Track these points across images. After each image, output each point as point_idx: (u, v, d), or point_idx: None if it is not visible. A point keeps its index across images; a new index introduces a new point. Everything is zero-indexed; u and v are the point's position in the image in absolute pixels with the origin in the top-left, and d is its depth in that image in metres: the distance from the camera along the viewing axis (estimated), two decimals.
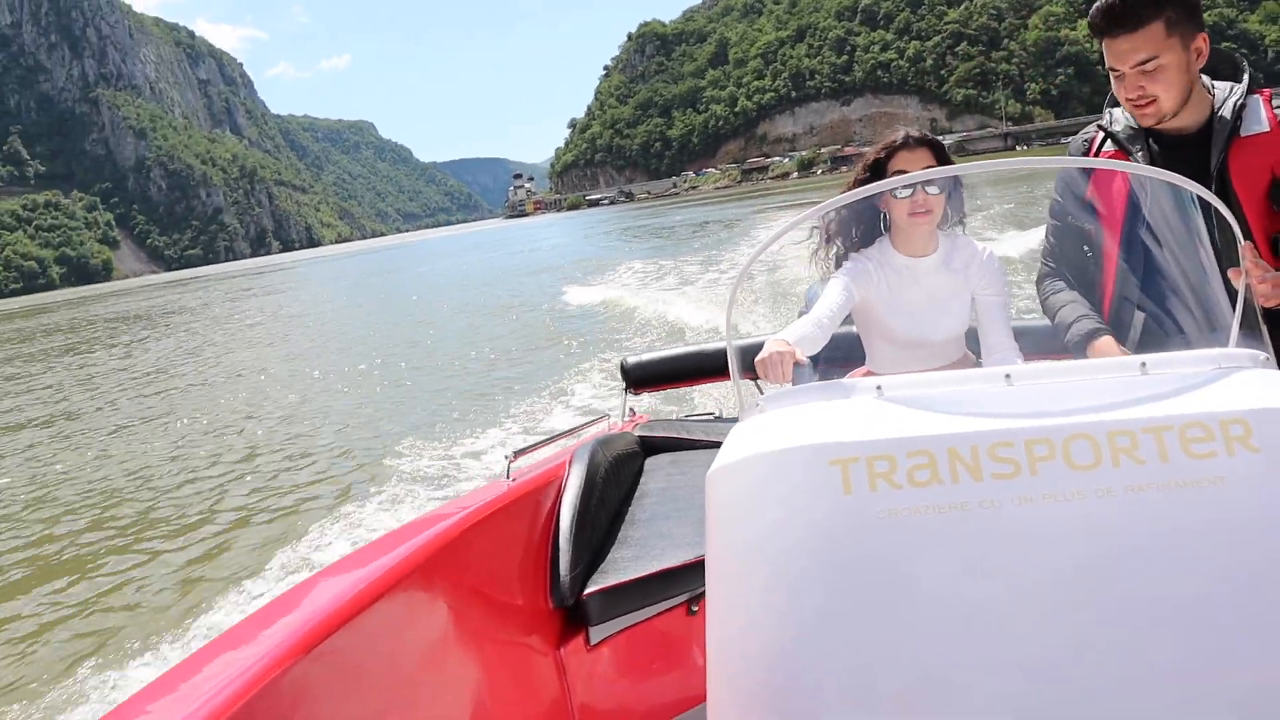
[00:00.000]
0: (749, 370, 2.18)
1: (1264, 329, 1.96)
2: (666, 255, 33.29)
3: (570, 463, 3.17)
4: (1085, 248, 2.62)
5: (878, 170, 2.67)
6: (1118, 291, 2.51)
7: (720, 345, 4.74)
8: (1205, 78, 2.45)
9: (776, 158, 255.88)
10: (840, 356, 2.76)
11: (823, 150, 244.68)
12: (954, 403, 1.69)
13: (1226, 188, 2.36)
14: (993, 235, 18.76)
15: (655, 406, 8.04)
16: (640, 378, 4.79)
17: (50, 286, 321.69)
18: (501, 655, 2.46)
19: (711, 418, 5.01)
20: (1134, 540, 1.52)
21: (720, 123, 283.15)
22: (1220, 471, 1.54)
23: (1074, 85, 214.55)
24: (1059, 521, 1.54)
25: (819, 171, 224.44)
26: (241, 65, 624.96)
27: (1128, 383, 1.69)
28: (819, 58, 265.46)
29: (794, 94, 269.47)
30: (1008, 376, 1.73)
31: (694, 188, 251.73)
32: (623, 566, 2.85)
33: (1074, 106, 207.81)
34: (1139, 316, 2.43)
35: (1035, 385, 1.72)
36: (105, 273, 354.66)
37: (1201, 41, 2.32)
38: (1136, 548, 1.51)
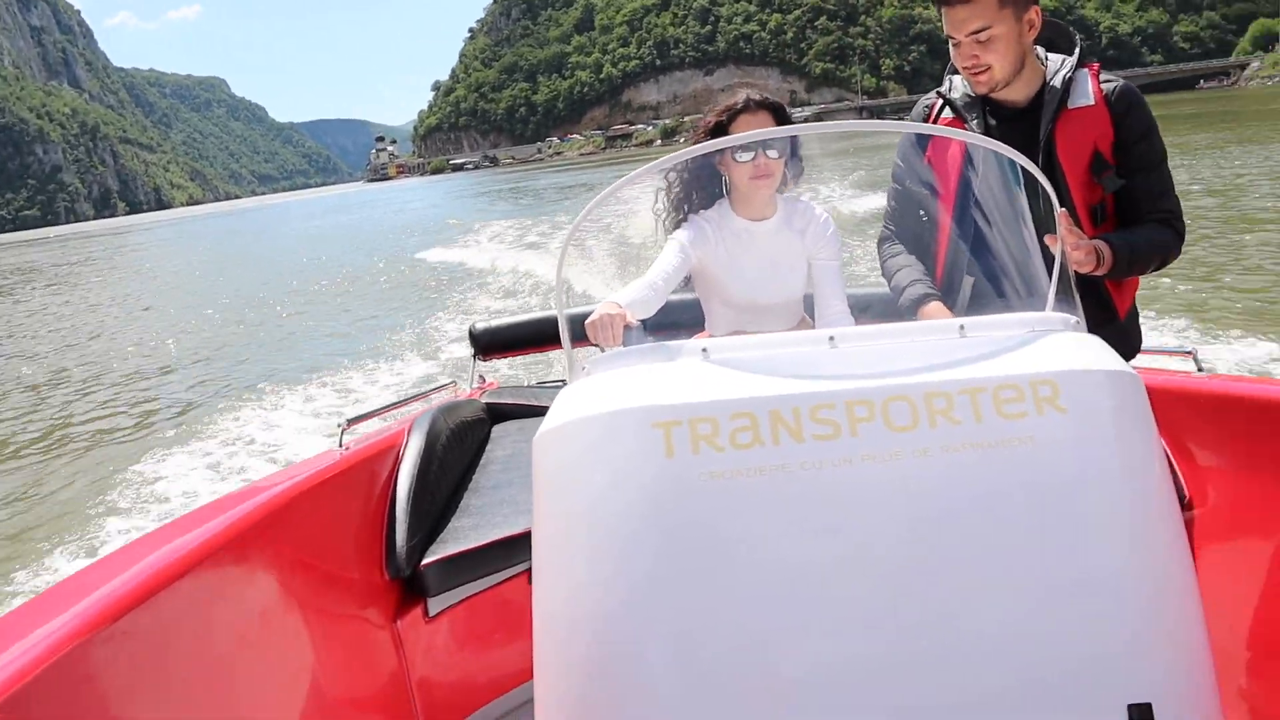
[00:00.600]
0: (584, 339, 2.14)
1: (1076, 294, 2.03)
2: (531, 216, 34.13)
3: (409, 430, 3.10)
4: (922, 212, 2.68)
5: (718, 133, 2.64)
6: (950, 256, 2.56)
7: (585, 309, 4.70)
8: (1040, 50, 2.55)
9: (641, 125, 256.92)
10: (683, 322, 2.78)
11: (686, 119, 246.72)
12: (778, 365, 1.71)
13: (1053, 158, 2.46)
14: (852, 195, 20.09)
15: (515, 376, 8.02)
16: (489, 344, 4.71)
17: None
18: (332, 629, 2.38)
19: (564, 384, 5.86)
20: (949, 500, 1.58)
21: (585, 89, 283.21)
22: (1030, 431, 1.61)
23: (926, 62, 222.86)
24: (878, 482, 1.58)
25: (682, 140, 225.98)
26: (79, 13, 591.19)
27: (946, 345, 1.75)
28: (684, 27, 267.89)
29: (659, 62, 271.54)
30: (831, 339, 1.76)
31: (559, 153, 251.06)
32: (463, 535, 2.82)
33: (926, 82, 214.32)
34: (968, 281, 2.48)
35: (858, 348, 1.75)
36: None
37: (1034, 14, 2.42)
38: (951, 507, 1.57)
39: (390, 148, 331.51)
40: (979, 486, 1.59)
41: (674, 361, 1.79)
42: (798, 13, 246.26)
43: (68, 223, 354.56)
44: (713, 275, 2.72)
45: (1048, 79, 2.53)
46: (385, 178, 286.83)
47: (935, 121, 2.69)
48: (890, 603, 1.54)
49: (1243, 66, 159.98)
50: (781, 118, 2.68)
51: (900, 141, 2.79)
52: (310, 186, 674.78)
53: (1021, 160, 2.06)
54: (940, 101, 2.70)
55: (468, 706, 2.84)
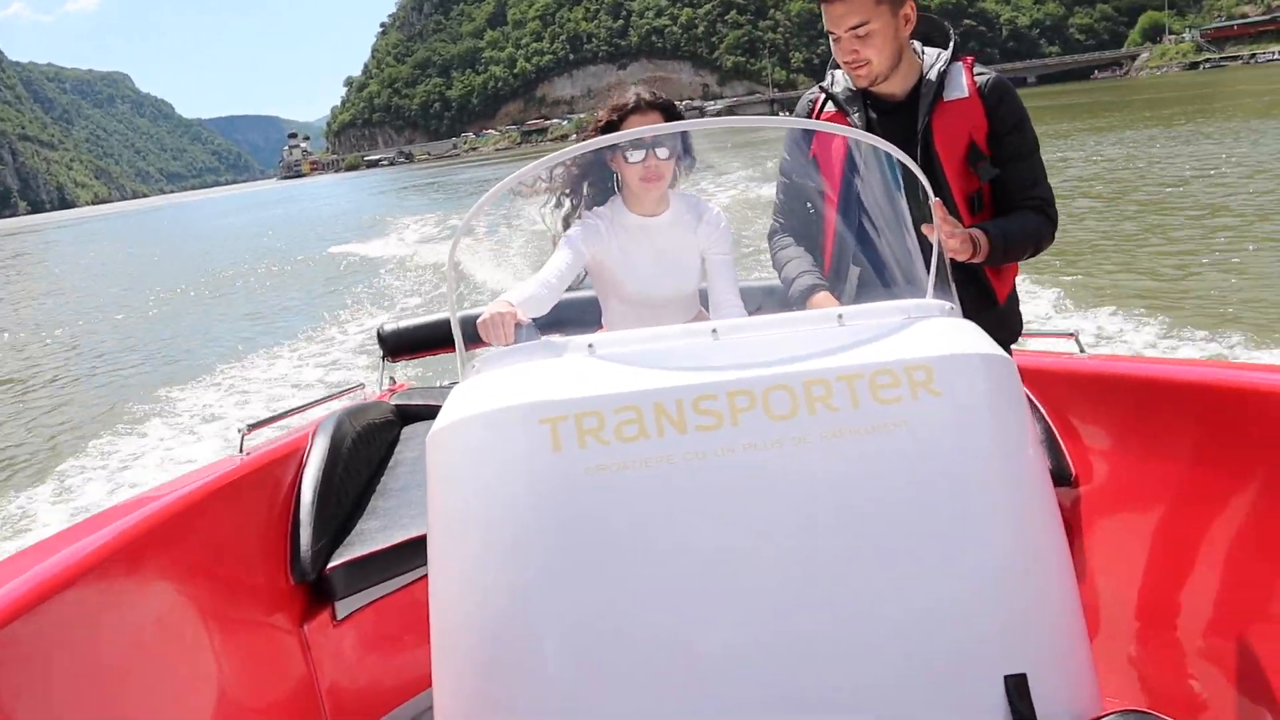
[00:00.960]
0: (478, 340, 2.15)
1: (951, 281, 2.09)
2: (448, 209, 35.70)
3: (314, 434, 3.07)
4: (809, 205, 2.72)
5: (609, 131, 2.62)
6: (836, 247, 2.62)
7: (476, 311, 4.59)
8: (917, 44, 2.63)
9: (555, 119, 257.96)
10: (582, 320, 2.80)
11: (600, 113, 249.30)
12: (662, 358, 1.74)
13: (930, 149, 2.52)
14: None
15: (426, 377, 8.10)
16: (397, 345, 4.71)
17: None
18: (237, 636, 2.33)
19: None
20: (827, 485, 1.62)
21: (499, 84, 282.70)
22: (905, 415, 1.66)
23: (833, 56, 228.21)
24: (759, 470, 1.61)
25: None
26: None
27: (826, 334, 1.80)
28: (596, 21, 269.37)
29: (572, 56, 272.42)
30: (714, 331, 1.80)
31: (474, 149, 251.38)
32: (370, 537, 2.79)
33: None
34: (854, 270, 2.53)
35: (740, 339, 1.79)
36: None
37: (909, 9, 2.51)
38: (829, 492, 1.62)
39: (303, 144, 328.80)
40: (856, 471, 1.63)
41: (561, 358, 1.80)
42: (708, 6, 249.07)
43: None
44: (608, 272, 2.73)
45: (924, 72, 2.59)
46: (299, 175, 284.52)
47: (818, 115, 2.72)
48: (772, 587, 1.57)
49: (1133, 58, 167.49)
50: (672, 116, 2.69)
51: (785, 136, 2.82)
52: (221, 184, 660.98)
53: (897, 154, 2.09)
54: (823, 96, 2.73)
55: (377, 710, 2.80)
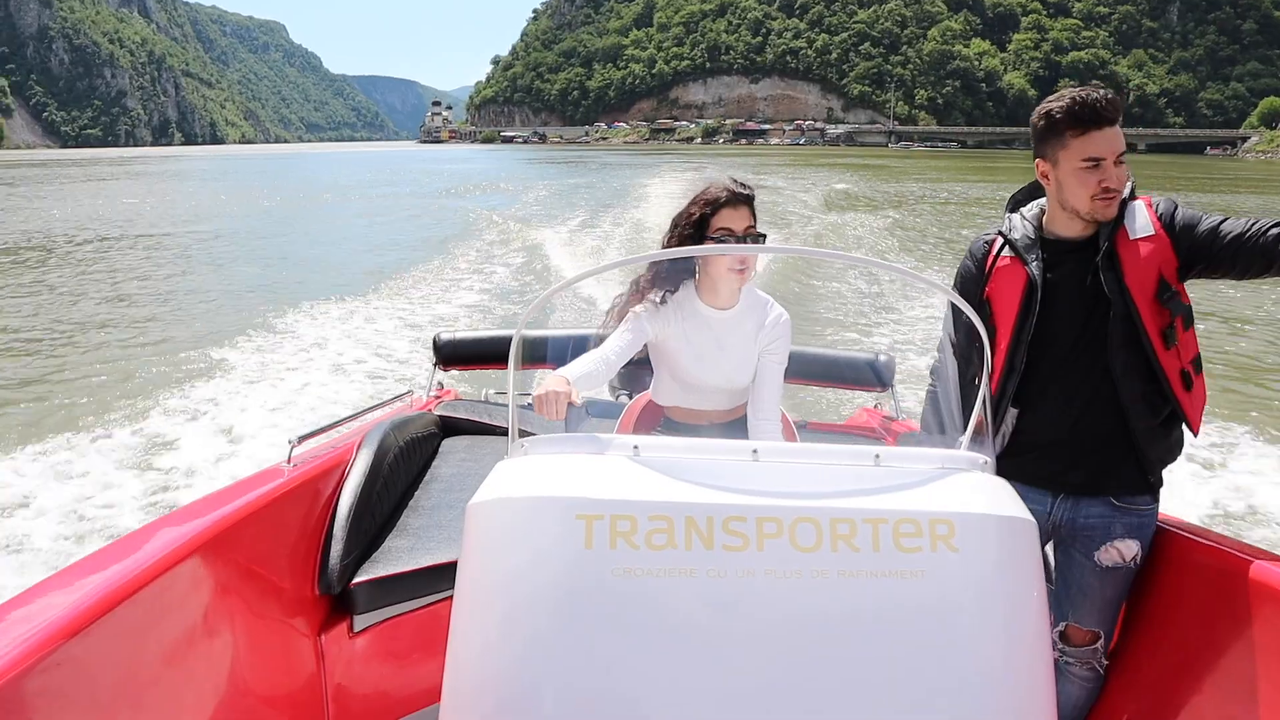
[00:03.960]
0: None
1: (990, 434, 2.17)
2: (578, 176, 45.13)
3: (358, 447, 3.10)
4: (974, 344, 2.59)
5: (702, 225, 2.68)
6: (996, 395, 2.61)
7: (539, 333, 4.91)
8: None
9: (684, 122, 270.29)
10: (631, 380, 3.01)
11: (727, 121, 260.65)
12: (701, 472, 1.81)
13: (1120, 282, 2.46)
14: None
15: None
16: (451, 355, 4.85)
17: None
18: (258, 642, 2.41)
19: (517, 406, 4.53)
20: (837, 620, 1.69)
21: (637, 81, 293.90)
22: (922, 565, 1.73)
23: (958, 97, 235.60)
24: (775, 596, 1.69)
25: (720, 140, 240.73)
26: None
27: (859, 473, 1.85)
28: (736, 35, 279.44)
29: (708, 65, 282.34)
30: (755, 452, 1.87)
31: (604, 138, 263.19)
32: (396, 557, 2.86)
33: (955, 116, 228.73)
34: (1012, 414, 2.64)
35: (778, 464, 1.86)
36: None
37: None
38: (838, 627, 1.69)
39: (445, 112, 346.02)
40: (866, 612, 1.69)
41: (604, 455, 1.89)
42: (844, 36, 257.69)
43: (126, 146, 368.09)
44: (667, 352, 2.80)
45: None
46: (438, 140, 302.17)
47: (994, 261, 2.67)
48: (764, 709, 1.64)
49: (1245, 139, 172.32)
50: (752, 208, 2.73)
51: (959, 273, 2.81)
52: (356, 140, 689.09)
53: (957, 300, 2.25)
54: (1000, 240, 2.68)
55: (381, 719, 2.85)
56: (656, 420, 3.02)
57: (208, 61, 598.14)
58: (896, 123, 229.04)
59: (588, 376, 2.49)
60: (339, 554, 2.75)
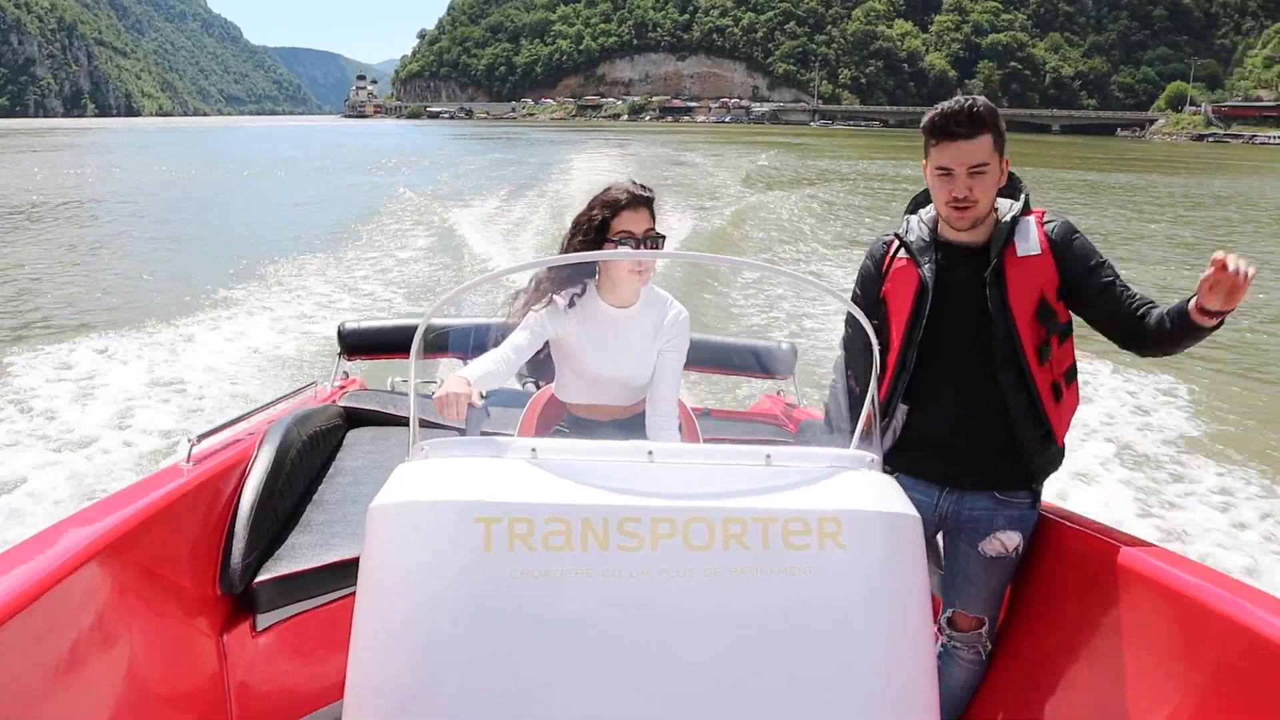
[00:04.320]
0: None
1: (878, 434, 2.29)
2: (506, 152, 46.52)
3: (260, 443, 3.07)
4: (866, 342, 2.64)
5: (603, 228, 2.74)
6: (889, 389, 2.74)
7: (443, 322, 4.75)
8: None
9: (611, 99, 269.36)
10: (538, 368, 3.10)
11: (654, 99, 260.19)
12: (597, 474, 1.87)
13: (1004, 300, 2.56)
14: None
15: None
16: (355, 344, 4.83)
17: None
18: (159, 645, 2.38)
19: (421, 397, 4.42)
20: (728, 616, 1.76)
21: (564, 57, 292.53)
22: (810, 562, 1.80)
23: (881, 77, 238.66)
24: (669, 594, 1.75)
25: (647, 118, 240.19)
26: None
27: (751, 473, 1.92)
28: (663, 12, 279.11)
29: (635, 41, 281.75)
30: (650, 453, 1.93)
31: (531, 114, 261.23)
32: (299, 554, 2.84)
33: (878, 95, 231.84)
34: (902, 409, 2.74)
35: (673, 466, 1.92)
36: None
37: (1006, 163, 2.57)
38: (728, 623, 1.75)
39: (370, 87, 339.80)
40: (756, 607, 1.76)
41: (503, 459, 1.92)
42: (770, 14, 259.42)
43: (36, 117, 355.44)
44: (567, 347, 2.86)
45: (998, 221, 2.63)
46: (363, 115, 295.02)
47: (891, 261, 2.76)
48: (659, 702, 1.71)
49: (1152, 121, 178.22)
50: (652, 210, 2.80)
51: (862, 266, 2.88)
52: (278, 114, 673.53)
53: (852, 309, 2.39)
54: (897, 243, 2.74)
55: (285, 717, 2.83)
56: (559, 416, 3.08)
57: (122, 30, 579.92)
58: (820, 101, 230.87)
59: (488, 376, 2.55)
60: (240, 553, 2.72)
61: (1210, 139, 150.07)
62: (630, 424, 2.95)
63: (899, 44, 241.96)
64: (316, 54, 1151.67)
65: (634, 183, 2.78)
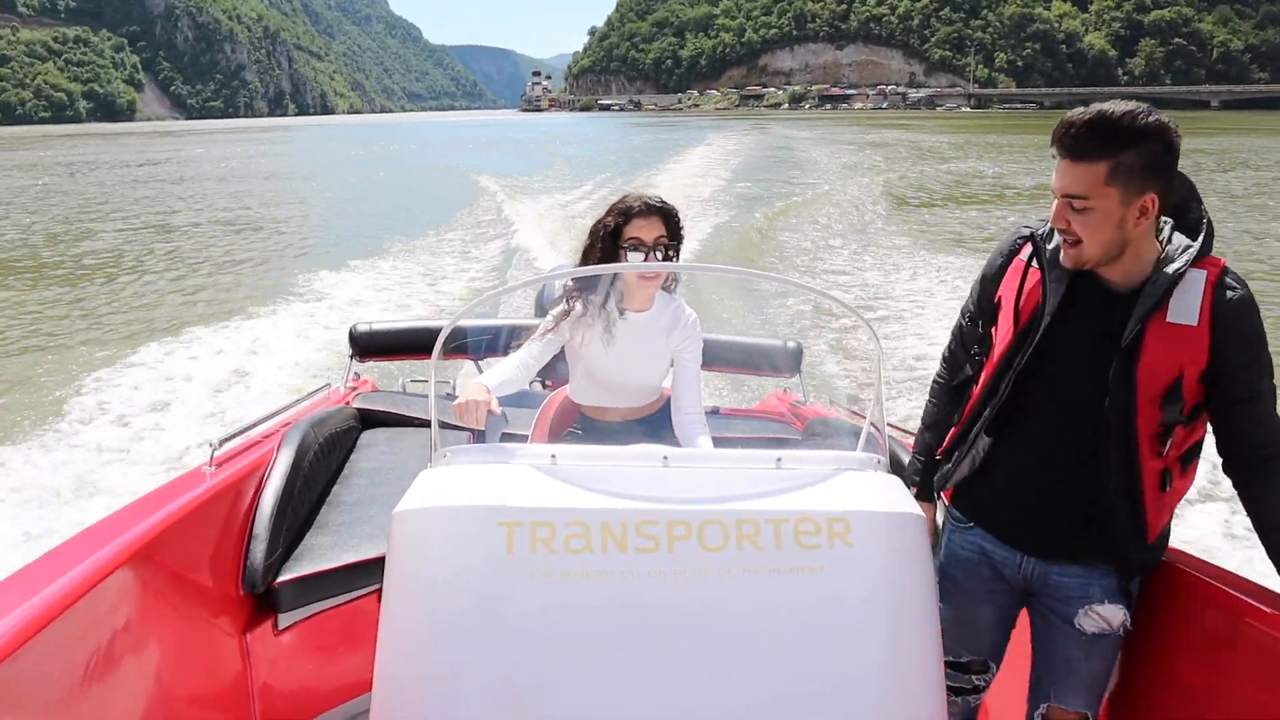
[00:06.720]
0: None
1: (884, 433, 2.23)
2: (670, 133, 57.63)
3: (279, 447, 3.11)
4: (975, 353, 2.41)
5: (616, 236, 2.82)
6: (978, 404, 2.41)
7: (459, 324, 4.47)
8: (1169, 230, 2.13)
9: (772, 89, 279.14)
10: (549, 369, 3.09)
11: (813, 88, 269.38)
12: (614, 479, 1.93)
13: (1129, 372, 2.08)
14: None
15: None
16: (368, 346, 4.72)
17: (77, 119, 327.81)
18: (184, 646, 2.43)
19: (442, 398, 4.53)
20: (741, 615, 1.81)
21: (727, 50, 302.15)
22: (821, 562, 1.84)
23: (1038, 59, 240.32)
24: (684, 594, 1.81)
25: (807, 106, 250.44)
26: None
27: (763, 476, 1.98)
28: (821, 3, 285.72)
29: (795, 33, 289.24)
30: (665, 459, 1.99)
31: (696, 105, 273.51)
32: (319, 555, 2.88)
33: (1035, 78, 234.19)
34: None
35: (687, 470, 1.98)
36: (129, 113, 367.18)
37: (1149, 202, 1.99)
38: (742, 621, 1.81)
39: (545, 81, 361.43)
40: (769, 605, 1.82)
41: (524, 464, 1.98)
42: (925, 1, 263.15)
43: (245, 117, 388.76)
44: (582, 351, 2.92)
45: (1158, 267, 2.07)
46: (538, 109, 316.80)
47: (1024, 263, 2.25)
48: (673, 697, 1.77)
49: None
50: (669, 216, 2.86)
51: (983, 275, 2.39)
52: (455, 109, 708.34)
53: (865, 322, 2.32)
54: (1031, 248, 2.24)
55: (307, 714, 2.89)
56: (572, 418, 3.18)
57: (315, 35, 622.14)
58: (976, 85, 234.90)
59: (506, 383, 2.64)
60: (262, 554, 2.77)
61: None
62: (643, 424, 3.05)
63: (1057, 25, 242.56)
64: (491, 51, 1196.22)
65: (649, 194, 2.87)
